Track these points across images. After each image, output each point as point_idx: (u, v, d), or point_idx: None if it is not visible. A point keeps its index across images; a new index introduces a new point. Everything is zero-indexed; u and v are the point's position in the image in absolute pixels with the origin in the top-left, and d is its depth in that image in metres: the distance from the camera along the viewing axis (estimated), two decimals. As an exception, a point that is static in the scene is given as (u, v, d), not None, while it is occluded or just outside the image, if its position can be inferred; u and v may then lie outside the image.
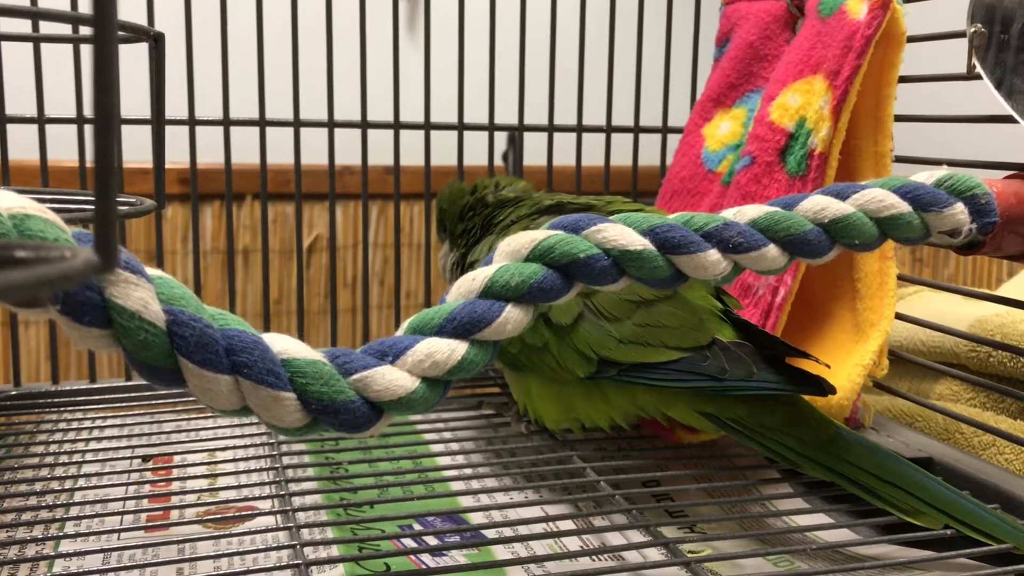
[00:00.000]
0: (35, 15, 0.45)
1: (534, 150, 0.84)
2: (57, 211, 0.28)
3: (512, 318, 0.37)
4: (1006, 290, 0.86)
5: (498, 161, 1.46)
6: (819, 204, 0.42)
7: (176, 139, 0.68)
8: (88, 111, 0.69)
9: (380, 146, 0.81)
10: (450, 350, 0.35)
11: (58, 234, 0.28)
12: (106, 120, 0.18)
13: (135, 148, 0.70)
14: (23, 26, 0.62)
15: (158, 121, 0.47)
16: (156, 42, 0.44)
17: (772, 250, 0.41)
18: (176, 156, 0.77)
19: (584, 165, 0.82)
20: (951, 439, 0.66)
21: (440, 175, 0.76)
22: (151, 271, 0.31)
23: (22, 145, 0.71)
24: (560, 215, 0.59)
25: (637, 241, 0.39)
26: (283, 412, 0.33)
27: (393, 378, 0.34)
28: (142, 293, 0.30)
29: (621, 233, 0.39)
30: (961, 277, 1.42)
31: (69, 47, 0.68)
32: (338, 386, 0.33)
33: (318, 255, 1.57)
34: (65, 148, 0.72)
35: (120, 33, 0.42)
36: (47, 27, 0.64)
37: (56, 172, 0.70)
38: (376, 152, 0.78)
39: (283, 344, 0.34)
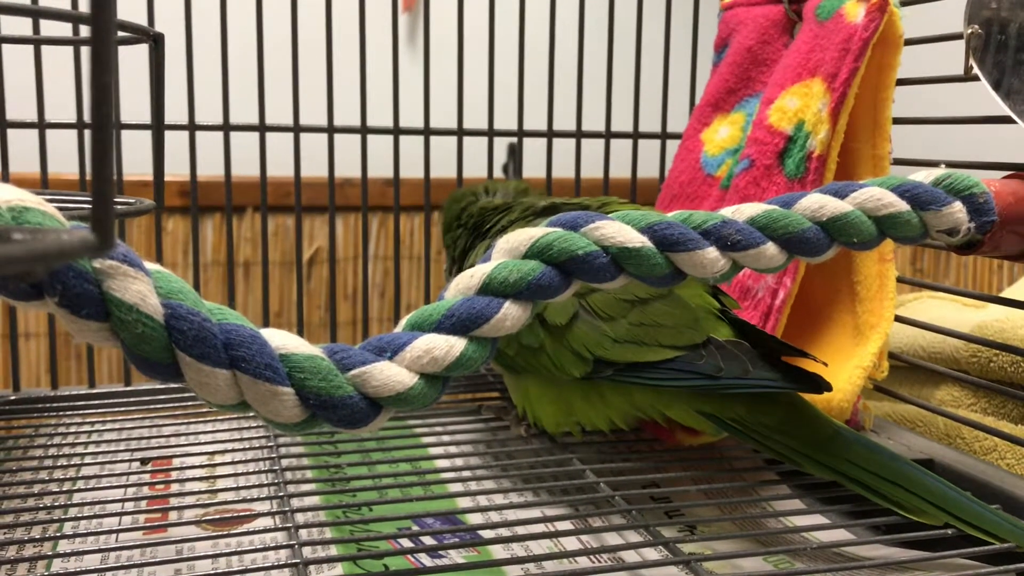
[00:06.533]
0: (33, 13, 0.46)
1: (534, 163, 0.84)
2: (56, 208, 0.29)
3: (511, 315, 0.37)
4: (1006, 296, 0.86)
5: (498, 172, 1.47)
6: (817, 202, 0.42)
7: (177, 151, 0.68)
8: (89, 117, 0.70)
9: (380, 158, 0.80)
10: (448, 346, 0.35)
11: (56, 226, 0.28)
12: (103, 89, 0.18)
13: (135, 161, 0.70)
14: (24, 30, 0.63)
15: (158, 122, 0.47)
16: (156, 43, 0.44)
17: (770, 248, 0.41)
18: (176, 168, 0.77)
19: (583, 177, 0.82)
20: (952, 444, 0.66)
21: (440, 186, 0.76)
22: (149, 265, 0.31)
23: (22, 159, 0.71)
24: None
25: (635, 238, 0.39)
26: (281, 407, 0.33)
27: (391, 374, 0.34)
28: (140, 286, 0.30)
29: (619, 230, 0.39)
30: (961, 287, 1.42)
31: (71, 56, 0.68)
32: (336, 381, 0.33)
33: (318, 267, 1.57)
34: (65, 160, 0.72)
35: (120, 33, 0.43)
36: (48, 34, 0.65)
37: (56, 184, 0.70)
38: (376, 165, 0.78)
39: (281, 339, 0.34)
